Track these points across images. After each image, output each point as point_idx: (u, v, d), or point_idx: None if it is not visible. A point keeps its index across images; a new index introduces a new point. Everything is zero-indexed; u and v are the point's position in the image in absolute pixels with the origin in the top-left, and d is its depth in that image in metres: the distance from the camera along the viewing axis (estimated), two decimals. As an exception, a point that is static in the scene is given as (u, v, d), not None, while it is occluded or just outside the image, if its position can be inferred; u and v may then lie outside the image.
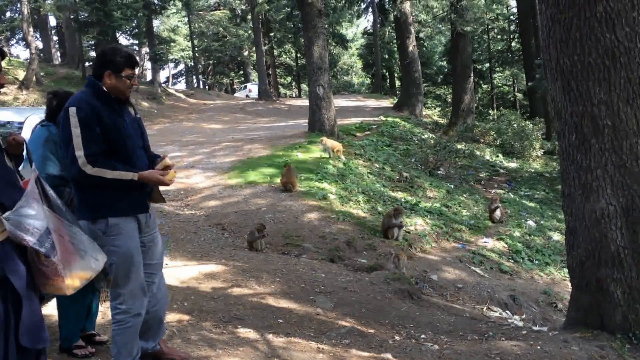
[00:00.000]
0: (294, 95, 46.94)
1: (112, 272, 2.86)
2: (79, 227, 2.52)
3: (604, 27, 4.27)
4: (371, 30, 33.73)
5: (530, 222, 11.02)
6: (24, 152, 2.55)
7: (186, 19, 40.60)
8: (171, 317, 4.36)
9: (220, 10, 40.47)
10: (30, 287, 2.25)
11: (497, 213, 10.58)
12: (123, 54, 3.01)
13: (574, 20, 4.38)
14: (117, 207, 2.98)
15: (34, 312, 2.24)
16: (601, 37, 4.28)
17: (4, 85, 2.45)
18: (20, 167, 2.49)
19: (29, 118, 4.95)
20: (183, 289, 5.05)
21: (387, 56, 34.84)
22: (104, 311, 4.04)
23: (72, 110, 2.86)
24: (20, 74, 23.48)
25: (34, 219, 2.24)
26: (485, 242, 9.39)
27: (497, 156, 18.31)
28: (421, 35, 32.07)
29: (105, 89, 2.99)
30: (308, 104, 16.19)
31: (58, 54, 36.99)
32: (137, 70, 3.10)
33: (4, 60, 2.42)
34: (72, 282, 2.36)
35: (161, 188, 3.23)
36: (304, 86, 39.50)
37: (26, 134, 4.39)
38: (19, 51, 58.50)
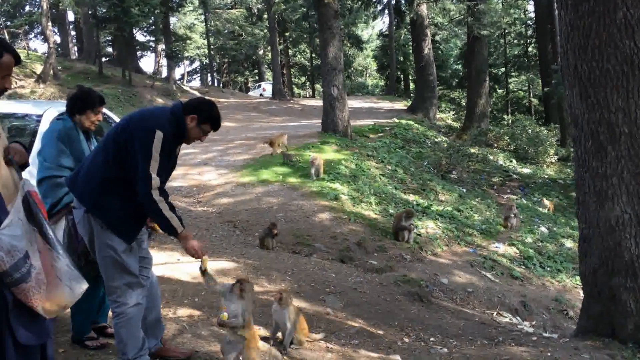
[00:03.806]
0: (307, 96, 46.97)
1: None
2: (63, 251, 2.35)
3: (623, 34, 4.24)
4: (387, 32, 33.63)
5: (543, 229, 10.95)
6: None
7: (202, 17, 40.76)
8: (182, 312, 4.40)
9: (236, 8, 40.54)
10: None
11: (512, 220, 10.52)
12: (215, 113, 3.16)
13: (593, 27, 4.36)
14: (124, 234, 3.00)
15: (21, 309, 2.16)
16: (620, 44, 4.26)
17: (9, 88, 2.36)
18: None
19: (47, 111, 5.00)
20: (194, 285, 5.08)
21: (402, 58, 34.74)
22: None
23: (160, 135, 2.88)
24: (38, 68, 23.73)
25: (17, 240, 2.11)
26: (496, 247, 9.34)
27: (511, 161, 18.19)
28: (437, 38, 31.95)
29: (185, 127, 3.06)
30: (322, 104, 16.22)
31: (75, 48, 37.37)
32: (211, 132, 3.20)
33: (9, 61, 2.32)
34: (50, 306, 2.24)
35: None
36: (318, 86, 39.46)
37: (44, 127, 4.44)
38: (37, 45, 58.89)
